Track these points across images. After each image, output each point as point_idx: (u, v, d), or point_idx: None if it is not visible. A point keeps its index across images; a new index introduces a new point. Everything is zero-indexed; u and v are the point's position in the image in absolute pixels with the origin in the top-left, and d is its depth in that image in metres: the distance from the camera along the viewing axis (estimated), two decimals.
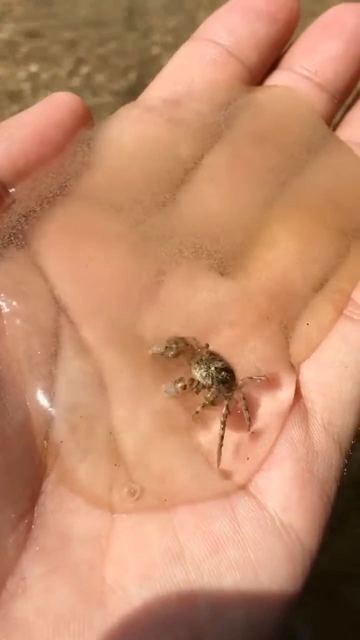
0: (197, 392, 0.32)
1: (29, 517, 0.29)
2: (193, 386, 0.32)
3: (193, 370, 0.33)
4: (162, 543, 0.29)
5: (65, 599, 0.27)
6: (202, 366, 0.33)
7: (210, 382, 0.32)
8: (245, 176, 0.39)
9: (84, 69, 0.86)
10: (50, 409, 0.31)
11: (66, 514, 0.29)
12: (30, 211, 0.34)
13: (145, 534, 0.29)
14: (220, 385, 0.32)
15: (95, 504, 0.30)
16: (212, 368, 0.32)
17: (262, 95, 0.41)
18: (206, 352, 0.33)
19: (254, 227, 0.37)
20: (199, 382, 0.33)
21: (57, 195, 0.35)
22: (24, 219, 0.34)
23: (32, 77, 0.85)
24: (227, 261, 0.36)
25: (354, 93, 0.43)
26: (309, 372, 0.34)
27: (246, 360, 0.34)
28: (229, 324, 0.35)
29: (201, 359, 0.33)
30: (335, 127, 0.43)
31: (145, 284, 0.35)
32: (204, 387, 0.32)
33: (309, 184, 0.39)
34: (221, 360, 0.33)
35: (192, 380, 0.33)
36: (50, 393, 0.31)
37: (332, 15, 0.42)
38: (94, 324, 0.33)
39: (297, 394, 0.33)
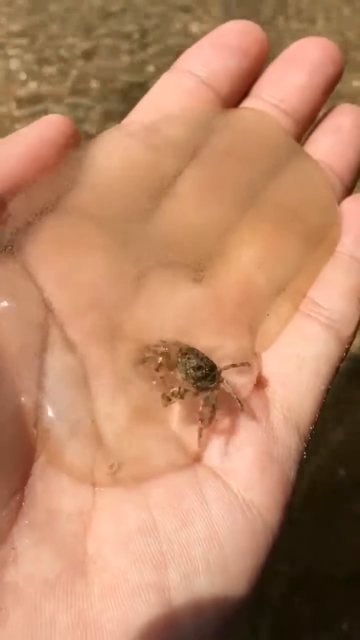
0: (182, 397, 0.35)
1: (19, 494, 0.32)
2: (180, 393, 0.35)
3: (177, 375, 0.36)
4: (137, 518, 0.32)
5: (51, 567, 0.31)
6: (180, 369, 0.36)
7: (191, 382, 0.35)
8: (219, 191, 0.42)
9: None
10: (39, 400, 0.34)
11: (54, 493, 0.33)
12: (24, 223, 0.38)
13: (123, 510, 0.33)
14: (201, 382, 0.35)
15: (80, 480, 0.33)
16: (190, 369, 0.35)
17: (233, 116, 0.45)
18: (180, 355, 0.36)
19: (225, 237, 0.41)
20: (180, 387, 0.35)
21: (48, 209, 0.38)
22: (18, 230, 0.37)
23: None
24: (199, 268, 0.40)
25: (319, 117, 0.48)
26: (270, 366, 0.37)
27: (215, 356, 0.37)
28: (200, 325, 0.38)
29: (178, 362, 0.36)
30: None
31: (126, 289, 0.38)
32: (186, 390, 0.35)
33: (275, 196, 0.43)
34: (196, 356, 0.36)
35: (179, 388, 0.35)
36: (39, 385, 0.34)
37: (297, 48, 0.46)
38: (79, 324, 0.36)
39: (260, 383, 0.37)
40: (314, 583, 0.79)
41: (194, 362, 0.35)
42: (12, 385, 0.33)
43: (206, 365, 0.36)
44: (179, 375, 0.36)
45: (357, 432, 0.88)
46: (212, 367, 0.36)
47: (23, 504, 0.32)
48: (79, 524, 0.32)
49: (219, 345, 0.38)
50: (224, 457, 0.34)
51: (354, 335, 0.39)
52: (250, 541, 0.33)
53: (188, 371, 0.35)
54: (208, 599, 0.31)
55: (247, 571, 0.32)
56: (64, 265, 0.38)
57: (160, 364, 0.36)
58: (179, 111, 0.43)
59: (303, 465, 0.36)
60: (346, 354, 0.38)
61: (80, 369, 0.35)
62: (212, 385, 0.35)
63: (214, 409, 0.35)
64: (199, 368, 0.35)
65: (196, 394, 0.35)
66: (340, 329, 0.38)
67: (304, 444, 0.36)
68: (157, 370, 0.36)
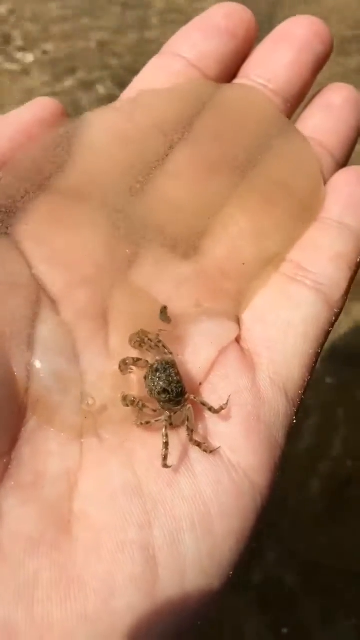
0: (141, 409, 0.34)
1: (6, 458, 0.32)
2: (139, 405, 0.34)
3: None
4: (122, 477, 0.32)
5: (36, 525, 0.31)
6: (147, 384, 0.35)
7: (155, 399, 0.35)
8: (208, 168, 0.43)
9: None
10: (29, 371, 0.35)
11: (41, 456, 0.33)
12: (13, 202, 0.39)
13: (108, 470, 0.33)
14: (164, 404, 0.34)
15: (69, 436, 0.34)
16: (154, 390, 0.34)
17: (223, 92, 0.45)
18: (151, 370, 0.35)
19: (214, 212, 0.41)
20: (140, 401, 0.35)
21: (38, 187, 0.39)
22: (7, 209, 0.38)
23: None
24: (188, 243, 0.40)
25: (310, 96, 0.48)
26: (256, 330, 0.37)
27: (199, 321, 0.37)
28: (188, 297, 0.38)
29: (147, 376, 0.35)
30: None
31: (117, 266, 0.39)
32: (145, 405, 0.35)
33: (264, 171, 0.43)
34: (167, 377, 0.34)
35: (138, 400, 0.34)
36: (30, 357, 0.35)
37: (284, 28, 0.46)
38: (70, 300, 0.37)
39: (243, 347, 0.36)
40: (325, 576, 0.77)
41: (160, 384, 0.34)
42: (2, 357, 0.34)
43: (173, 390, 0.34)
44: (145, 389, 0.35)
45: None
46: (179, 394, 0.34)
47: (10, 466, 0.32)
48: (65, 485, 0.32)
49: (201, 312, 0.38)
50: (208, 419, 0.34)
51: (343, 299, 0.38)
52: (236, 502, 0.32)
53: (153, 390, 0.35)
54: (193, 557, 0.31)
55: (234, 532, 0.32)
56: (56, 243, 0.39)
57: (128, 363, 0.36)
58: (168, 86, 0.44)
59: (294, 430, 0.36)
60: (336, 319, 0.38)
61: (70, 343, 0.36)
62: (177, 408, 0.34)
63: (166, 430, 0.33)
64: (164, 391, 0.34)
65: (157, 412, 0.35)
66: (328, 292, 0.38)
67: (294, 409, 0.35)
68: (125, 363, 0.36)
